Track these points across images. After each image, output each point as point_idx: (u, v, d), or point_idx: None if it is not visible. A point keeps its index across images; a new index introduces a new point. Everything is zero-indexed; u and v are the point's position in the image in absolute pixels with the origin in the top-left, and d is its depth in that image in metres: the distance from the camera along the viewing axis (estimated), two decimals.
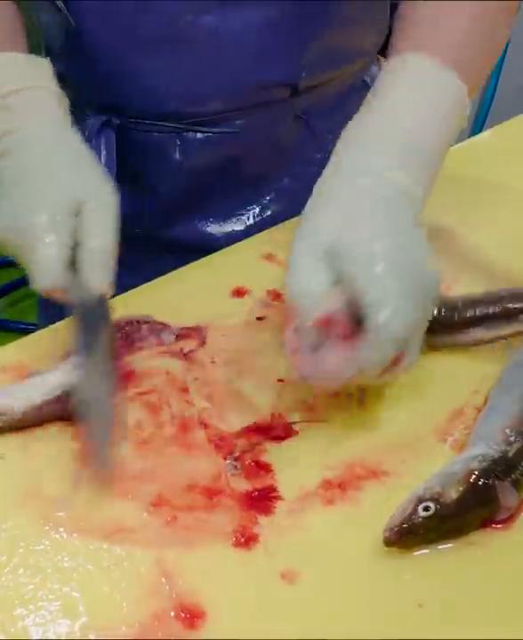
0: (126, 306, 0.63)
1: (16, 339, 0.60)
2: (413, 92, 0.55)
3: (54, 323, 0.61)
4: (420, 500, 0.44)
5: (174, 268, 0.68)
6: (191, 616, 0.40)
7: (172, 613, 0.40)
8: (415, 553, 0.44)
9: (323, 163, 0.77)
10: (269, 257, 0.69)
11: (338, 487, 0.48)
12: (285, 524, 0.46)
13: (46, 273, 0.52)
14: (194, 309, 0.63)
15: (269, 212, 0.78)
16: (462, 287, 0.63)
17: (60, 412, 0.51)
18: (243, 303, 0.63)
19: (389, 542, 0.43)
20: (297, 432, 0.52)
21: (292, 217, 0.72)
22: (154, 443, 0.51)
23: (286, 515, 0.46)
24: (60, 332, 0.60)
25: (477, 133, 0.95)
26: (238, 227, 0.77)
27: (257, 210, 0.78)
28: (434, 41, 0.56)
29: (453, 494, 0.44)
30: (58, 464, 0.49)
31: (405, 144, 0.53)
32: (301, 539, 0.45)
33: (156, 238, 0.77)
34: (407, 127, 0.54)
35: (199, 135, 0.71)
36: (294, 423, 0.52)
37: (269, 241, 0.71)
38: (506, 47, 1.89)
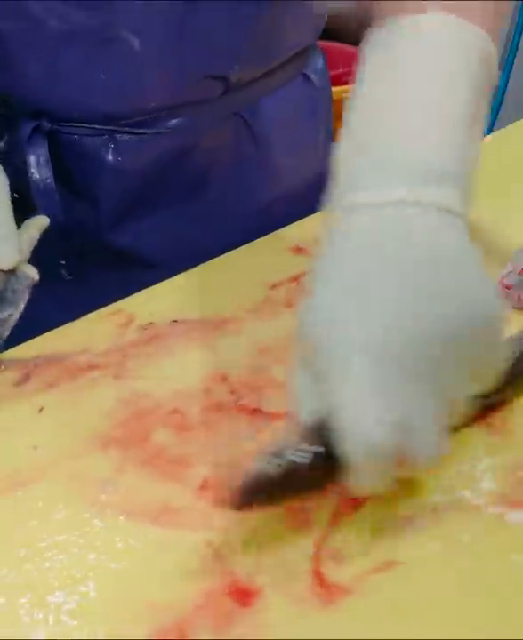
0: (157, 300, 0.64)
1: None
2: (421, 63, 0.44)
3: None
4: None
5: (122, 280, 0.67)
6: (244, 594, 0.41)
7: (226, 591, 0.41)
8: None
9: (268, 163, 0.76)
10: (298, 249, 0.70)
11: None
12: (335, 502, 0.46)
13: None
14: (226, 300, 0.63)
15: (211, 216, 0.75)
16: None
17: None
18: (276, 293, 0.64)
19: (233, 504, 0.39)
20: None
21: (236, 220, 0.73)
22: (195, 429, 0.52)
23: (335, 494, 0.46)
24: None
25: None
26: (183, 232, 0.74)
27: (199, 214, 0.75)
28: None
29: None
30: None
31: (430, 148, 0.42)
32: (353, 518, 0.45)
33: (100, 249, 0.74)
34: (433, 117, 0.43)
35: (132, 137, 0.69)
36: None
37: (296, 236, 0.72)
38: (515, 51, 1.91)
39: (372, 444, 0.37)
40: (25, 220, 0.59)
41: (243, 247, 0.70)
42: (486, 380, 0.42)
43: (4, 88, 0.68)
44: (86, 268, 0.73)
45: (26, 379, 0.57)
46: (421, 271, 0.39)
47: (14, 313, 0.55)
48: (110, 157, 0.69)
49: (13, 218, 0.55)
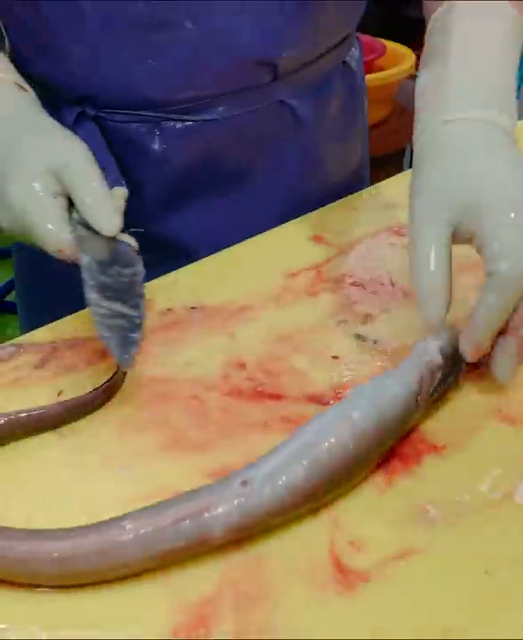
0: (176, 287, 0.64)
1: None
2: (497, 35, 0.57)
3: (34, 327, 0.61)
4: None
5: (162, 269, 0.66)
6: (264, 578, 0.41)
7: (246, 574, 0.41)
8: None
9: (311, 149, 0.76)
10: (317, 238, 0.69)
11: (398, 459, 0.48)
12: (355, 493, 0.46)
13: (50, 233, 0.52)
14: (245, 288, 0.63)
15: (252, 205, 0.75)
16: None
17: None
18: (295, 282, 0.64)
19: None
20: None
21: (276, 209, 0.72)
22: (211, 415, 0.52)
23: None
24: None
25: None
26: (222, 222, 0.74)
27: (240, 203, 0.75)
28: None
29: None
30: None
31: (489, 83, 0.55)
32: (368, 504, 0.45)
33: (145, 236, 0.74)
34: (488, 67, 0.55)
35: (179, 124, 0.68)
36: None
37: (315, 223, 0.72)
38: None
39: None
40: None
41: (262, 235, 0.70)
42: None
43: (46, 74, 0.67)
44: None
45: (44, 362, 0.57)
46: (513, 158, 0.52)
47: (137, 271, 0.54)
48: (156, 145, 0.69)
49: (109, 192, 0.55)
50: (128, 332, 0.51)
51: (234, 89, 0.68)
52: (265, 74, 0.69)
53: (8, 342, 0.59)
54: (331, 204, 0.73)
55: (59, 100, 0.68)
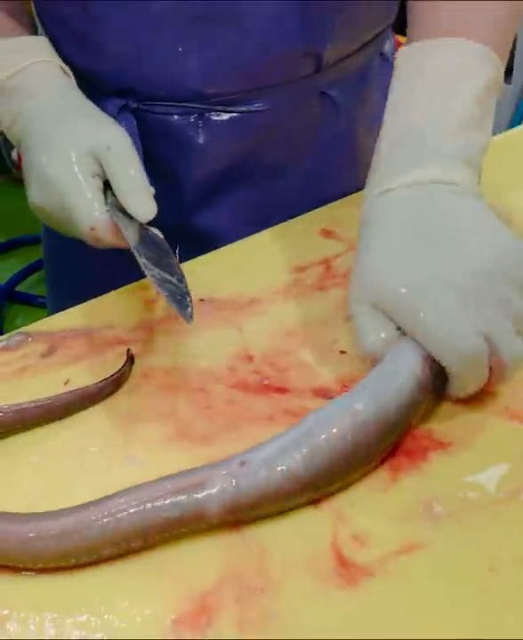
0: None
1: (45, 314, 0.61)
2: (453, 76, 0.53)
3: (62, 304, 0.62)
4: None
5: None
6: (265, 570, 0.41)
7: (249, 566, 0.41)
8: None
9: (349, 141, 0.76)
10: (327, 233, 0.69)
11: (404, 455, 0.48)
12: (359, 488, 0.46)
13: (85, 210, 0.53)
14: (254, 281, 0.63)
15: (289, 196, 0.75)
16: None
17: None
18: (304, 276, 0.63)
19: None
20: None
21: (313, 199, 0.71)
22: (217, 407, 0.52)
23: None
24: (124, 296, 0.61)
25: (515, 125, 0.95)
26: (260, 214, 0.74)
27: (280, 196, 0.75)
28: (470, 24, 0.54)
29: None
30: None
31: (455, 137, 0.51)
32: (372, 499, 0.45)
33: (180, 230, 0.72)
34: (455, 120, 0.52)
35: (222, 116, 0.69)
36: None
37: (326, 218, 0.71)
38: None
39: (471, 350, 0.46)
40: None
41: (271, 229, 0.69)
42: None
43: (86, 67, 0.68)
44: None
45: (52, 351, 0.57)
46: (462, 227, 0.49)
47: (171, 254, 0.56)
48: (198, 137, 0.69)
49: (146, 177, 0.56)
50: (180, 295, 0.52)
51: (278, 81, 0.68)
52: (308, 65, 0.69)
53: (16, 331, 0.59)
54: (342, 199, 0.73)
55: (99, 92, 0.68)
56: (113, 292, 0.62)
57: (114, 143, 0.56)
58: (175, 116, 0.68)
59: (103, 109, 0.66)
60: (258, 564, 0.41)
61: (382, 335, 0.49)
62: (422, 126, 0.52)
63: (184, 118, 0.69)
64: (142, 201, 0.54)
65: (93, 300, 0.61)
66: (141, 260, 0.52)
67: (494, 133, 0.83)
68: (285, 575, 0.41)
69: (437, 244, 0.48)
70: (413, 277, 0.48)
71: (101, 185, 0.55)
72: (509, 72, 1.91)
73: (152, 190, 0.56)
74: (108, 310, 0.60)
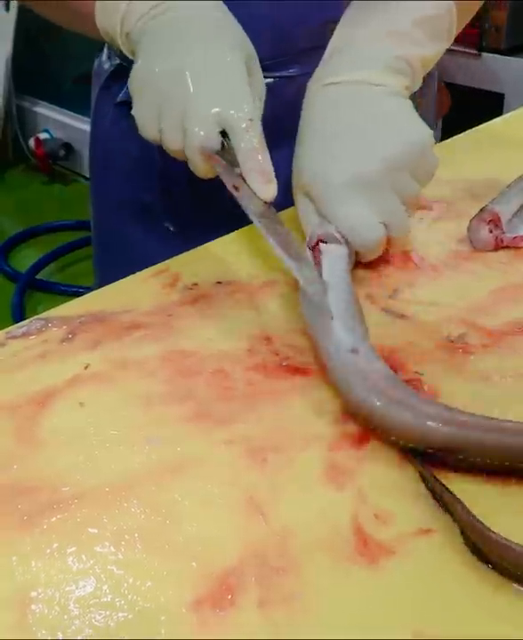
0: (201, 262, 0.64)
1: (66, 301, 0.61)
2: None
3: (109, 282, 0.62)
4: None
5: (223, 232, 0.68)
6: (287, 550, 0.41)
7: (270, 545, 0.41)
8: None
9: None
10: None
11: None
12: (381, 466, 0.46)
13: (202, 119, 0.55)
14: (270, 263, 0.63)
15: None
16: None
17: None
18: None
19: None
20: None
21: None
22: (237, 388, 0.52)
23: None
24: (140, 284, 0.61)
25: None
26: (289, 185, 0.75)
27: None
28: None
29: None
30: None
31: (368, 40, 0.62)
32: (394, 478, 0.45)
33: (206, 205, 0.76)
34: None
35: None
36: None
37: None
38: None
39: (370, 238, 0.58)
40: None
41: (287, 209, 0.69)
42: (426, 181, 0.61)
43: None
44: (191, 224, 0.79)
45: (71, 336, 0.57)
46: (376, 121, 0.59)
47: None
48: None
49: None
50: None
51: (310, 46, 0.71)
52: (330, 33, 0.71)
53: (35, 317, 0.59)
54: None
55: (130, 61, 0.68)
56: (130, 277, 0.62)
57: (240, 110, 0.56)
58: None
59: None
60: (279, 543, 0.42)
61: (316, 220, 0.60)
62: (361, 38, 0.63)
63: None
64: (263, 182, 0.56)
65: (111, 285, 0.61)
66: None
67: (513, 107, 0.82)
68: (307, 554, 0.41)
69: (355, 138, 0.58)
70: (329, 171, 0.58)
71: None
72: None
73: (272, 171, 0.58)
74: (125, 295, 0.60)
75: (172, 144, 0.57)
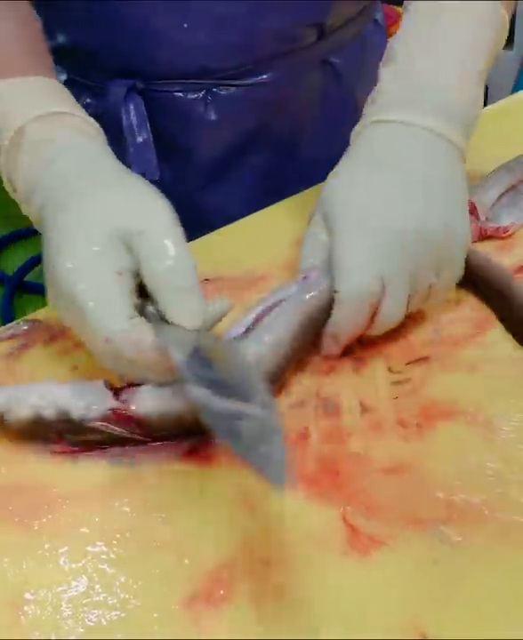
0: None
1: None
2: (456, 24, 0.54)
3: None
4: None
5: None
6: (279, 541, 0.41)
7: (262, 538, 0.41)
8: None
9: (351, 108, 0.74)
10: None
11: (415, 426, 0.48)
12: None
13: (107, 316, 0.42)
14: (258, 259, 0.63)
15: (299, 170, 0.76)
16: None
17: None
18: None
19: None
20: None
21: (322, 173, 0.72)
22: None
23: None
24: None
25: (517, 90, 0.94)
26: (271, 189, 0.74)
27: (287, 169, 0.76)
28: None
29: None
30: None
31: (419, 84, 0.52)
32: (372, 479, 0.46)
33: (192, 208, 0.74)
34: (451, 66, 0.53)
35: (230, 90, 0.69)
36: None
37: None
38: None
39: (362, 284, 0.47)
40: None
41: (274, 205, 0.69)
42: (447, 281, 0.51)
43: (96, 48, 0.67)
44: None
45: (58, 337, 0.57)
46: (419, 182, 0.50)
47: (246, 360, 0.45)
48: (208, 113, 0.70)
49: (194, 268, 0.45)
50: (265, 442, 0.36)
51: (284, 50, 0.69)
52: (312, 34, 0.70)
53: (22, 319, 0.59)
54: None
55: (107, 73, 0.68)
56: None
57: (149, 225, 0.44)
58: (183, 94, 0.69)
59: (112, 92, 0.67)
60: (270, 538, 0.42)
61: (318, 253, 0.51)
62: (419, 77, 0.53)
63: (192, 95, 0.69)
64: (184, 304, 0.43)
65: None
66: (195, 395, 0.38)
67: (496, 99, 0.83)
68: (298, 548, 0.41)
69: (389, 186, 0.50)
70: (352, 210, 0.49)
71: (132, 282, 0.44)
72: (510, 38, 1.88)
73: (199, 291, 0.44)
74: None
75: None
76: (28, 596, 0.40)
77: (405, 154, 0.51)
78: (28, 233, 2.10)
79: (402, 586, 0.39)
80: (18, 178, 0.49)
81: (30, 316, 0.59)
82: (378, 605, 0.38)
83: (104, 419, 0.44)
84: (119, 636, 0.38)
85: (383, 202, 0.49)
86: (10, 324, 0.59)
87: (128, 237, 0.44)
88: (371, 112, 0.54)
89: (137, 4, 0.63)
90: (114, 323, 0.42)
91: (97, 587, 0.40)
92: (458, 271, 0.52)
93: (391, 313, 0.49)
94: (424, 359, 0.52)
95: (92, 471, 0.46)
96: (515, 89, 1.90)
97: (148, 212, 0.45)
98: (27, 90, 0.51)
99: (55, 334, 0.57)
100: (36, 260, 2.00)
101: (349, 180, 0.51)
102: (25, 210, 0.51)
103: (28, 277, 1.98)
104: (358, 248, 0.48)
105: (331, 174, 0.53)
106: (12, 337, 0.57)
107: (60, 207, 0.46)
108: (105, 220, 0.44)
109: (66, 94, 0.53)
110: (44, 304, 0.60)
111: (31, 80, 0.52)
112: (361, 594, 0.39)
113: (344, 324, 0.49)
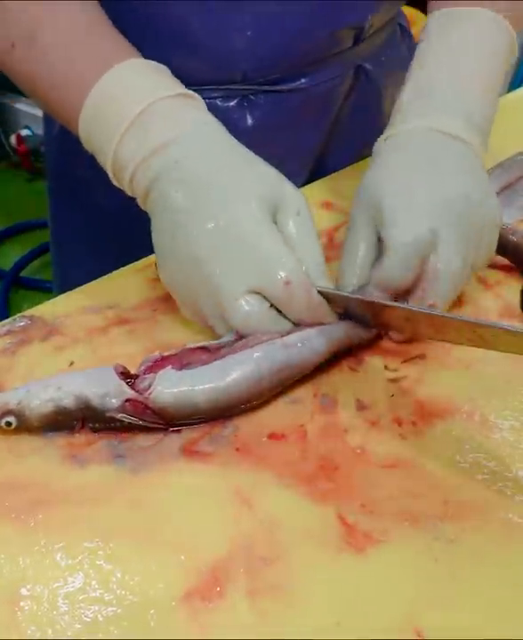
0: None
1: (51, 298, 0.60)
2: (472, 42, 0.58)
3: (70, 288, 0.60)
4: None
5: None
6: (276, 540, 0.41)
7: (259, 536, 0.41)
8: None
9: (379, 112, 0.77)
10: (328, 205, 0.69)
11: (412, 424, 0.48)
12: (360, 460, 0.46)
13: (285, 257, 0.48)
14: None
15: (331, 165, 0.76)
16: None
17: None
18: None
19: None
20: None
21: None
22: None
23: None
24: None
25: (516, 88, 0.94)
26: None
27: (319, 164, 0.76)
28: None
29: None
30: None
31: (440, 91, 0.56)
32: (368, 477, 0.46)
33: None
34: (467, 77, 0.57)
35: (268, 96, 0.69)
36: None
37: (327, 189, 0.71)
38: None
39: (414, 231, 0.49)
40: None
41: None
42: (485, 254, 0.54)
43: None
44: None
45: (55, 333, 0.57)
46: (452, 170, 0.53)
47: None
48: (246, 118, 0.69)
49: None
50: None
51: (323, 56, 0.68)
52: (349, 38, 0.69)
53: (19, 314, 0.59)
54: (341, 171, 0.72)
55: None
56: (115, 272, 0.62)
57: (301, 205, 0.51)
58: (219, 100, 0.68)
59: None
60: (267, 534, 0.42)
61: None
62: (438, 85, 0.57)
63: (230, 101, 0.68)
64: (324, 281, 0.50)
65: (96, 281, 0.61)
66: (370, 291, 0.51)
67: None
68: (294, 545, 0.41)
69: (427, 173, 0.53)
70: (399, 189, 0.52)
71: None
72: None
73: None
74: (110, 290, 0.60)
75: (220, 331, 0.52)
76: (24, 591, 0.40)
77: (433, 151, 0.54)
78: (23, 228, 2.10)
79: (398, 583, 0.39)
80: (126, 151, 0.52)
81: (27, 312, 0.59)
82: (374, 602, 0.39)
83: (122, 409, 0.47)
84: (116, 633, 0.38)
85: (425, 182, 0.52)
86: (6, 320, 0.59)
87: (279, 210, 0.50)
88: (392, 125, 0.58)
89: (173, 5, 0.62)
90: (290, 262, 0.48)
91: (93, 583, 0.40)
92: (493, 246, 0.55)
93: (449, 259, 0.50)
94: (420, 357, 0.52)
95: (89, 468, 0.46)
96: (514, 86, 1.90)
97: (293, 192, 0.51)
98: (149, 70, 0.55)
99: (52, 330, 0.57)
100: (32, 256, 2.00)
101: (386, 173, 0.54)
102: (132, 184, 0.53)
103: (24, 273, 1.98)
104: (409, 208, 0.51)
105: (365, 176, 0.55)
106: (8, 333, 0.57)
107: (197, 179, 0.50)
108: (259, 190, 0.50)
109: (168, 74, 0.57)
110: (40, 300, 0.60)
111: (144, 62, 0.55)
112: (357, 590, 0.39)
113: (392, 270, 0.50)
